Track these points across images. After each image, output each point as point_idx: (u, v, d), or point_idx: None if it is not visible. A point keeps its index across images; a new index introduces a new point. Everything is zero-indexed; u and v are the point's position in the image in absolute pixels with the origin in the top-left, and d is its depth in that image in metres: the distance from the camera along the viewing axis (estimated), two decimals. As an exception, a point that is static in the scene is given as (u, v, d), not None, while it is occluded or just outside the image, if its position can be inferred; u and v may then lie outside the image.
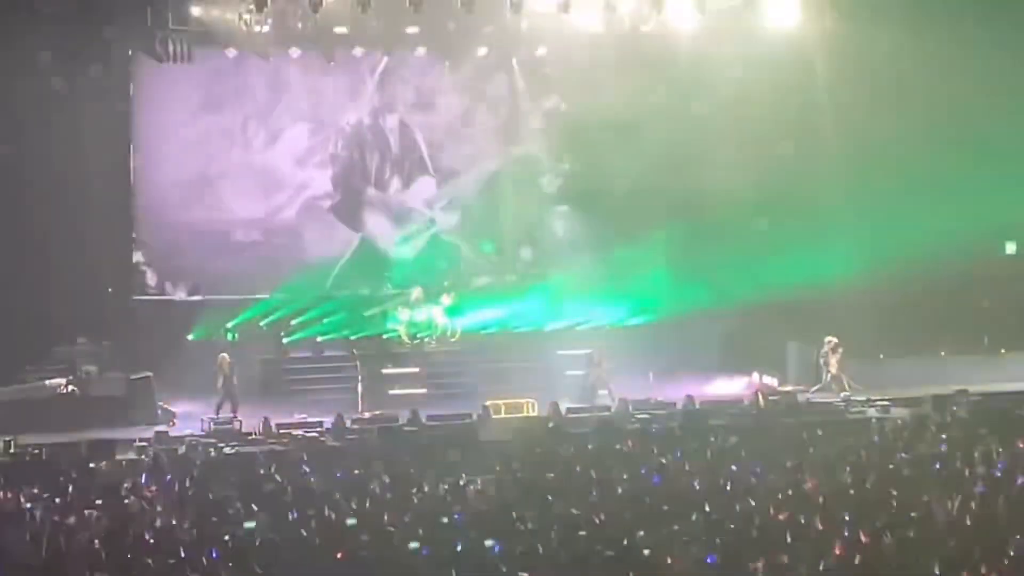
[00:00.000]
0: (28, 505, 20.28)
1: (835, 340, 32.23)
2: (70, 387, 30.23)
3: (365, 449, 26.07)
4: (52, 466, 23.94)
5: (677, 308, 34.17)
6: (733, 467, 21.88)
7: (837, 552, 16.37)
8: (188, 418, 29.87)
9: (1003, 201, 33.69)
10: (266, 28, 32.36)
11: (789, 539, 16.93)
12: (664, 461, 22.72)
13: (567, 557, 16.63)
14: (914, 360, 33.05)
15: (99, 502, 20.21)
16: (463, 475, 21.84)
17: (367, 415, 29.38)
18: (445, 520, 18.61)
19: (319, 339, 34.47)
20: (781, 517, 18.09)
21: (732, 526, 17.62)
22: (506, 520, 18.24)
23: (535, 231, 36.11)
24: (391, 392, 32.01)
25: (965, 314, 34.55)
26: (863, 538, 16.76)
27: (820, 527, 17.36)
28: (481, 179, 35.82)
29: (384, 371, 32.76)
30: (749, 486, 20.37)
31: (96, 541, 17.64)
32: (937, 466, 21.80)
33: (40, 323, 31.30)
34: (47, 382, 30.19)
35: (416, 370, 33.03)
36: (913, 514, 18.11)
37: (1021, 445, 22.99)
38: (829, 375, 32.20)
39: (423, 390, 32.26)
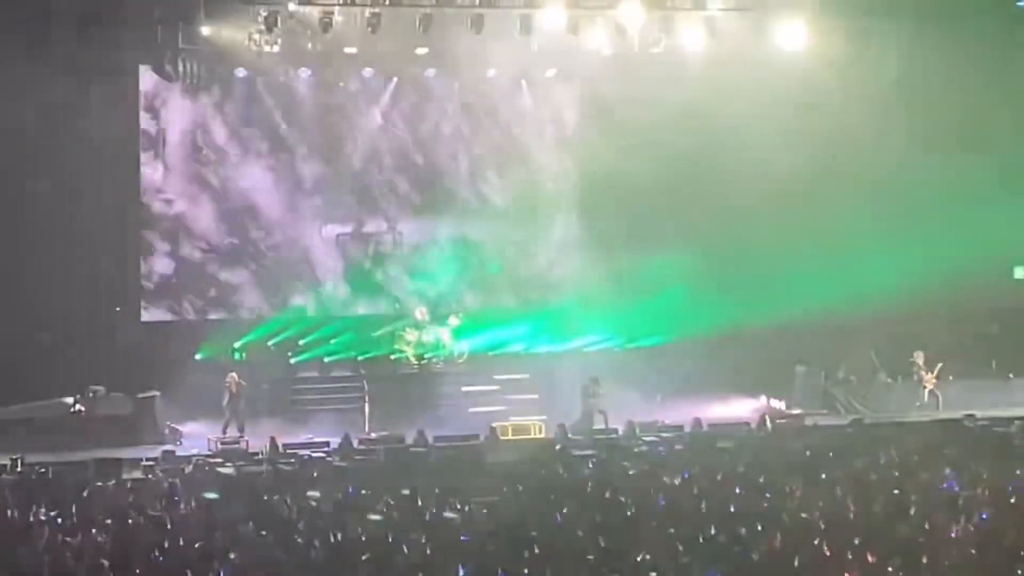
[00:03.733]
0: (35, 523, 20.27)
1: (923, 355, 32.41)
2: (77, 406, 30.27)
3: (372, 470, 26.09)
4: (59, 485, 23.96)
5: (686, 331, 34.15)
6: (740, 490, 21.85)
7: (844, 576, 16.39)
8: (195, 437, 29.92)
9: (1012, 226, 33.69)
10: (276, 48, 32.36)
11: (795, 563, 16.92)
12: (671, 484, 22.70)
13: (574, 579, 16.65)
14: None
15: (106, 521, 20.21)
16: (470, 497, 21.83)
17: (374, 435, 29.39)
18: (452, 542, 18.60)
19: (326, 359, 34.47)
20: (787, 541, 18.06)
21: (738, 549, 17.59)
22: (513, 542, 18.22)
23: (544, 252, 36.04)
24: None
25: (973, 339, 34.52)
26: (870, 558, 16.75)
27: (827, 551, 17.32)
28: (490, 200, 35.80)
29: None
30: (756, 509, 20.34)
31: (103, 560, 17.65)
32: (943, 487, 21.80)
33: (47, 342, 31.26)
34: (54, 401, 30.19)
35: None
36: (920, 539, 18.09)
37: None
38: (926, 391, 32.33)
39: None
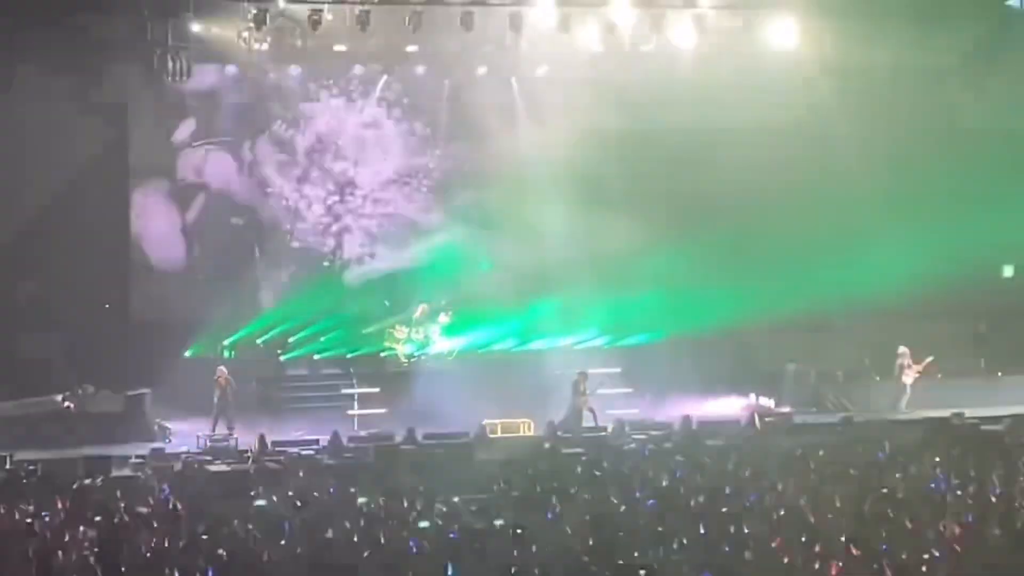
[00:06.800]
0: (24, 521, 20.25)
1: (908, 351, 32.43)
2: (67, 404, 30.23)
3: (361, 467, 26.09)
4: (48, 482, 23.93)
5: (676, 329, 34.18)
6: (729, 488, 21.86)
7: (832, 574, 16.39)
8: (184, 435, 29.87)
9: (1000, 224, 33.72)
10: (265, 46, 32.40)
11: (785, 560, 16.94)
12: (660, 482, 22.71)
13: (563, 578, 16.66)
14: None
15: (95, 518, 20.20)
16: (459, 495, 21.83)
17: (363, 433, 29.36)
18: (441, 539, 18.60)
19: (316, 357, 34.47)
20: (776, 538, 18.09)
21: (727, 547, 17.61)
22: (502, 540, 18.23)
23: (534, 250, 35.98)
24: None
25: (962, 337, 34.56)
26: (854, 551, 16.79)
27: (816, 549, 17.35)
28: (480, 197, 35.81)
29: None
30: (745, 507, 20.37)
31: (91, 558, 17.64)
32: (932, 486, 21.84)
33: (37, 340, 31.24)
34: (44, 399, 30.16)
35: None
36: (908, 536, 18.12)
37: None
38: (907, 384, 32.38)
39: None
